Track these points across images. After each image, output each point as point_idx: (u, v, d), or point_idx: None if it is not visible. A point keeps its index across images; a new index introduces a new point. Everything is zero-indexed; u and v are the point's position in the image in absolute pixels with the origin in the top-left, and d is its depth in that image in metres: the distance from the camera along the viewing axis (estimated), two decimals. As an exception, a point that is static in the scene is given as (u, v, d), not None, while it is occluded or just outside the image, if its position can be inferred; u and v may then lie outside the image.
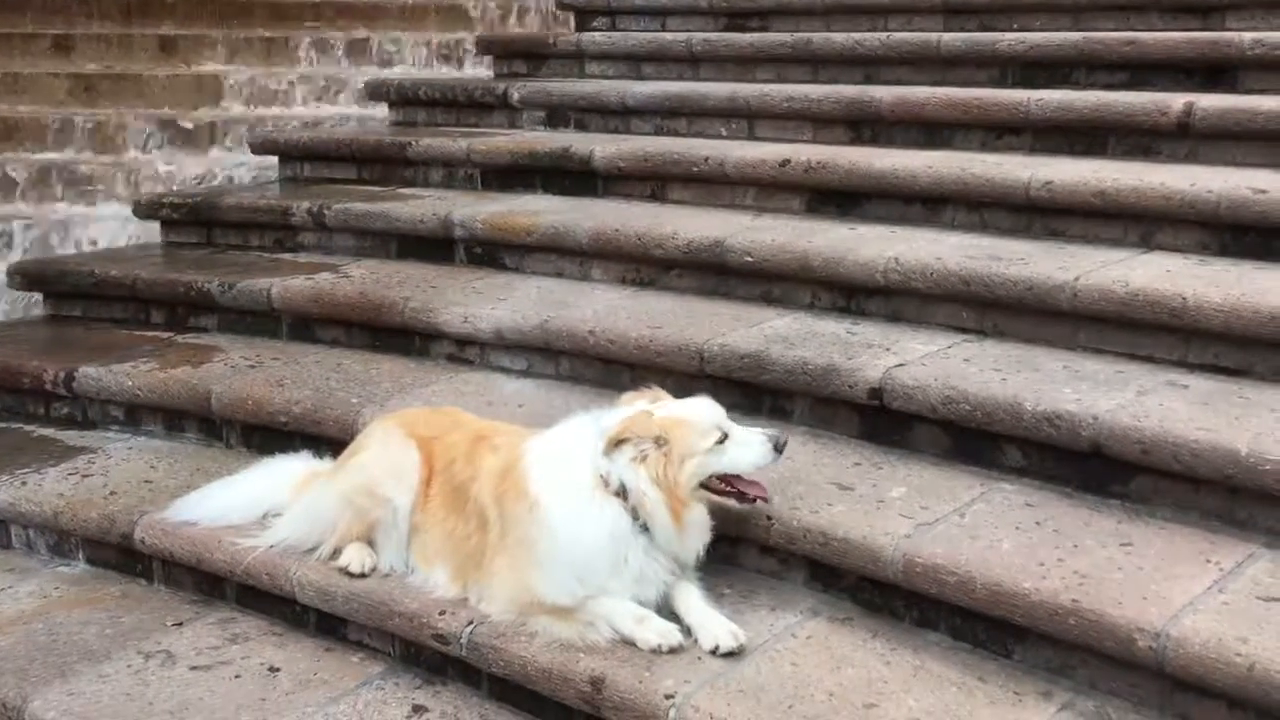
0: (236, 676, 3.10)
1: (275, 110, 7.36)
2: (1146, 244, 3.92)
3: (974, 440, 3.29)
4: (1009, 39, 5.23)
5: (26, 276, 5.20)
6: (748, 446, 2.90)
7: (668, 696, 2.63)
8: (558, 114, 5.94)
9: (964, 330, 3.80)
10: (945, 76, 5.33)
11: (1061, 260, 3.78)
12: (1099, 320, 3.53)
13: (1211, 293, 3.34)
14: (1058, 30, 5.37)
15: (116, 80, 7.24)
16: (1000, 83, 5.20)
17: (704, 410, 2.95)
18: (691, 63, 6.12)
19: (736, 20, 6.40)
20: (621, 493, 2.83)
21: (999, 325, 3.75)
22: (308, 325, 4.65)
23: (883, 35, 5.61)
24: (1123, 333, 3.49)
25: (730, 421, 2.96)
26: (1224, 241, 3.78)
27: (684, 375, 3.87)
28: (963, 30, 5.62)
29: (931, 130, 4.90)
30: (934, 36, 5.46)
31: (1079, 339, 3.58)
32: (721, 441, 2.88)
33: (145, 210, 5.63)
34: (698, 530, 2.90)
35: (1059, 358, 3.52)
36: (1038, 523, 2.96)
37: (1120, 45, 4.89)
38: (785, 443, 2.95)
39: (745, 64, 5.97)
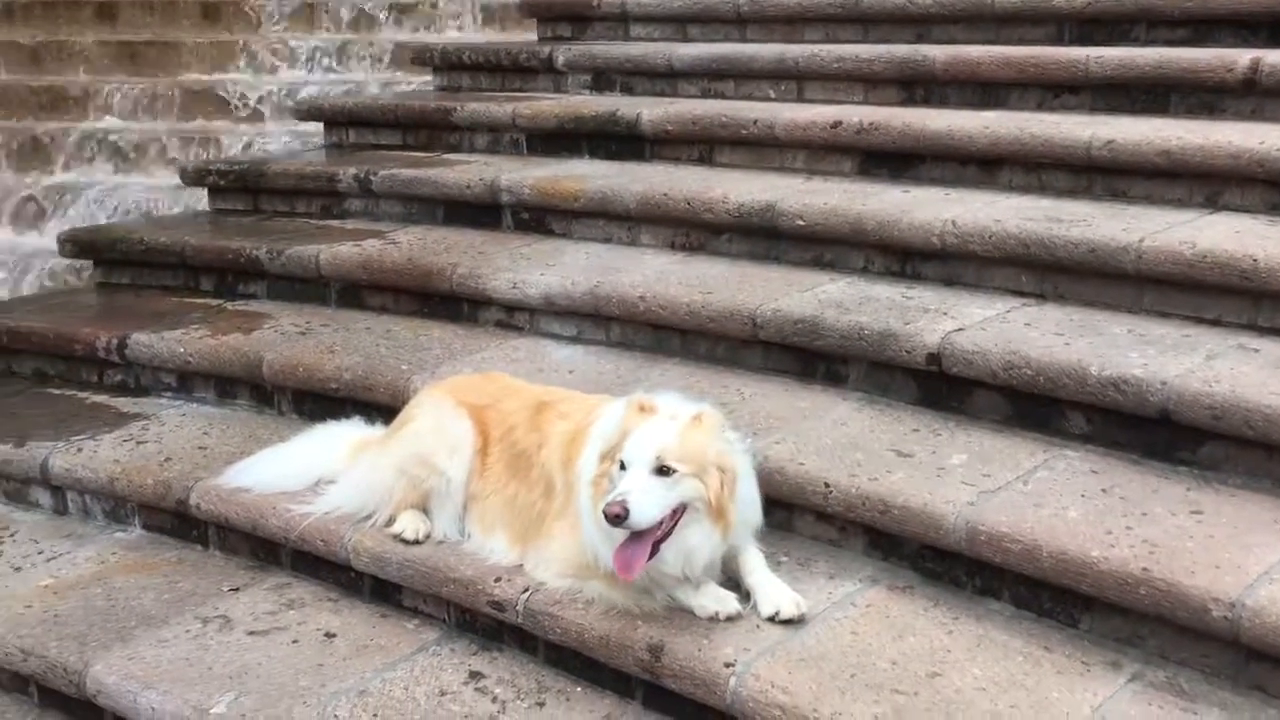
0: (294, 642, 3.11)
1: (315, 75, 7.35)
2: (1213, 204, 3.82)
3: (1036, 406, 3.22)
4: (1067, -5, 5.10)
5: (77, 244, 5.23)
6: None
7: (728, 664, 2.61)
8: (603, 77, 5.87)
9: (1023, 294, 3.72)
10: (1000, 34, 5.20)
11: (1125, 222, 3.69)
12: (1165, 283, 3.44)
13: (1283, 254, 3.25)
14: (1118, -15, 5.23)
15: (160, 48, 7.25)
16: (1057, 40, 5.07)
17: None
18: (738, 23, 6.02)
19: (784, -20, 6.28)
20: None
21: (1060, 289, 3.67)
22: (356, 292, 4.64)
23: (936, -6, 5.49)
24: (1190, 295, 3.41)
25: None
26: (1295, 201, 3.67)
27: (736, 341, 3.84)
28: (1019, -14, 5.48)
29: (986, 90, 4.79)
30: (989, -6, 5.33)
31: (1144, 302, 3.50)
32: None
33: (192, 177, 5.64)
34: (747, 505, 2.84)
35: (1123, 321, 3.44)
36: (1104, 490, 2.90)
37: (1182, 0, 4.75)
38: None
39: (793, 24, 5.86)
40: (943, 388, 3.41)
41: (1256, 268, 3.25)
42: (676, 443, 2.61)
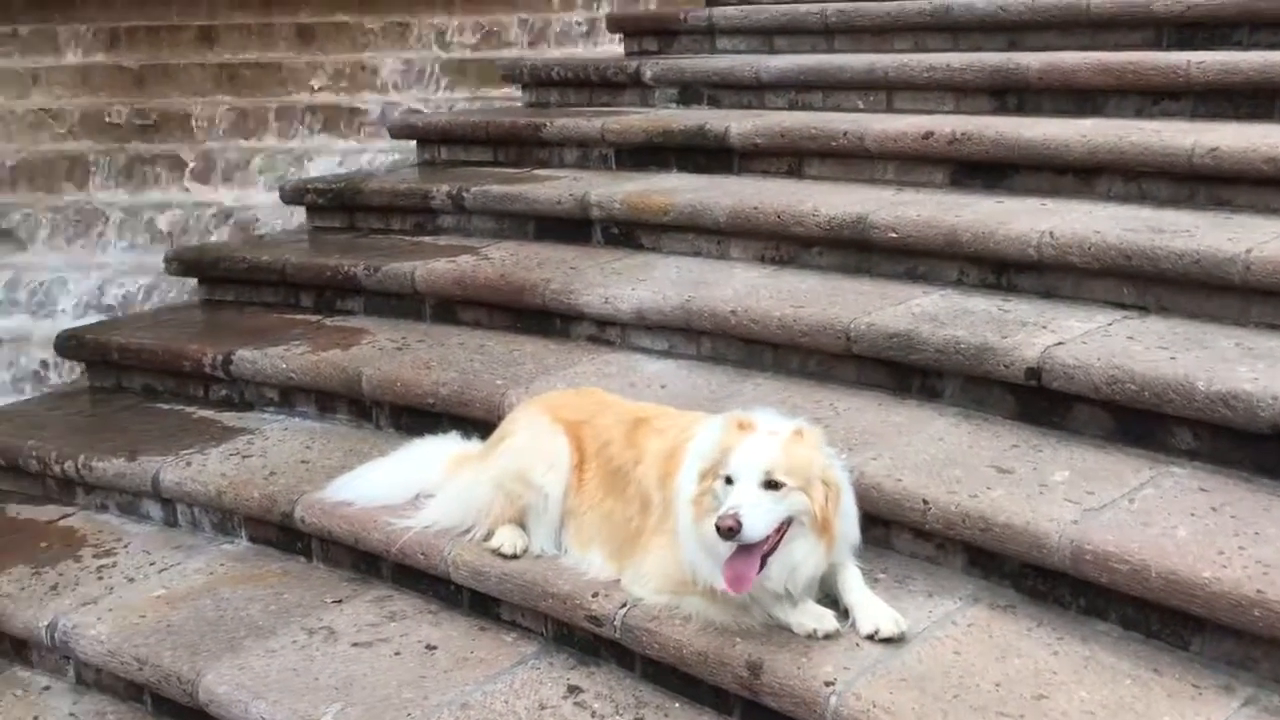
0: (396, 654, 3.18)
1: (410, 95, 7.49)
2: (1324, 212, 3.71)
3: (1140, 422, 3.16)
4: (1165, -1, 5.00)
5: (183, 263, 5.39)
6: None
7: (827, 683, 2.60)
8: (690, 91, 5.89)
9: (1124, 306, 3.65)
10: (1095, 40, 5.12)
11: (1230, 231, 3.60)
12: (1274, 294, 3.36)
13: (1402, 263, 3.15)
14: (1217, -13, 5.11)
15: (257, 69, 7.45)
16: (1155, 45, 4.98)
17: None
18: (826, 34, 6.01)
19: (872, -11, 6.25)
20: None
21: (1163, 301, 3.59)
22: (450, 307, 4.71)
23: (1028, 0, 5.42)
24: (1301, 308, 3.32)
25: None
26: None
27: (828, 355, 3.82)
28: (1113, -9, 5.39)
29: (1082, 97, 4.72)
30: (1083, -1, 5.25)
31: (1251, 314, 3.41)
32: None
33: (291, 196, 5.78)
34: (847, 521, 2.83)
35: (1230, 334, 3.35)
36: (1214, 508, 2.83)
37: (1288, 1, 4.64)
38: None
39: (882, 34, 5.83)
40: (1042, 403, 3.36)
41: (1373, 277, 3.16)
42: (783, 457, 2.62)
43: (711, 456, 2.70)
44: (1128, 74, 4.58)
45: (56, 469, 4.20)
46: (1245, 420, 2.94)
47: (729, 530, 2.53)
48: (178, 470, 4.00)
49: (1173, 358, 3.20)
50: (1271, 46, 4.62)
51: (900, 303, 3.88)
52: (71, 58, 7.49)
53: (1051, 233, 3.78)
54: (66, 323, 5.72)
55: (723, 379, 3.96)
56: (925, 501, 3.03)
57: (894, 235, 4.14)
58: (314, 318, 4.92)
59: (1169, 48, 4.91)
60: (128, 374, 4.83)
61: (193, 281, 5.42)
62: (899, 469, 3.17)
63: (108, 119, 7.12)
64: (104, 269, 6.34)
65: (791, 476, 2.61)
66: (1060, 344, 3.37)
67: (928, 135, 4.61)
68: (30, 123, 7.11)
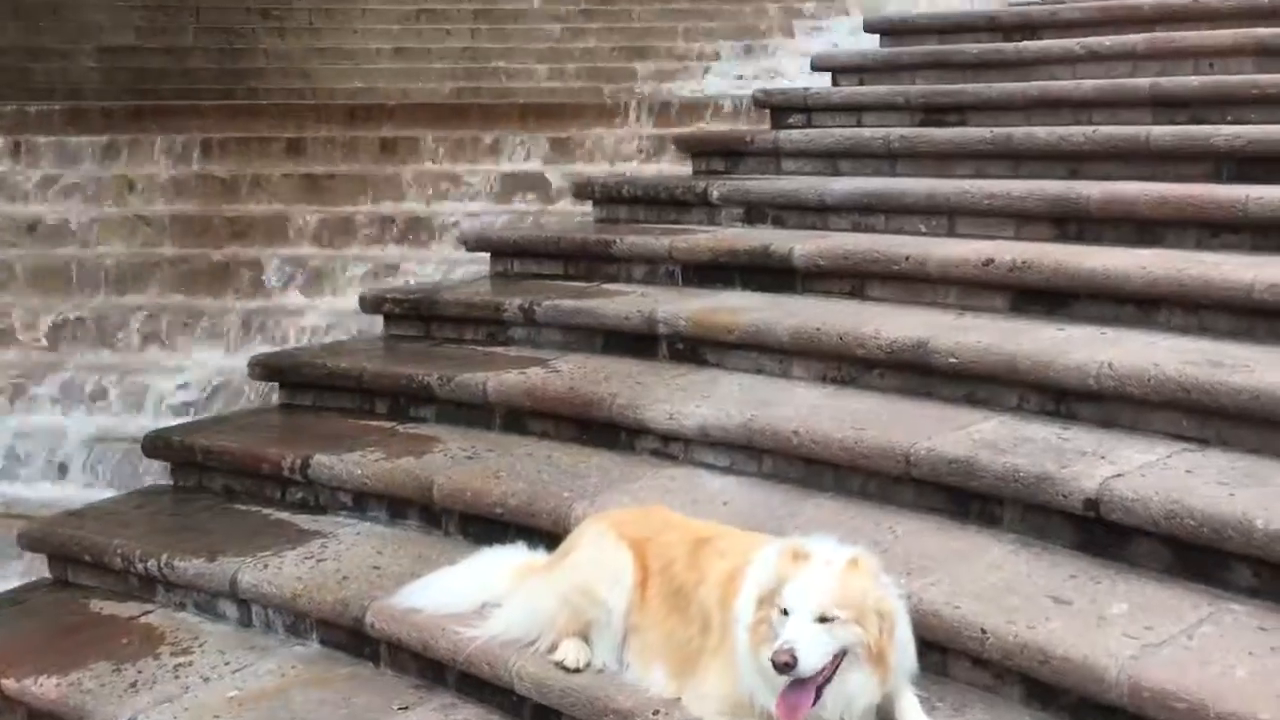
0: (459, 763, 3.25)
1: (482, 205, 7.78)
2: (1383, 350, 3.75)
3: (1199, 557, 3.19)
4: (1225, 133, 5.09)
5: (265, 368, 5.62)
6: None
7: (884, 812, 2.63)
8: (755, 211, 6.06)
9: (1184, 439, 3.69)
10: (1155, 171, 5.21)
11: (1290, 367, 3.65)
12: (1333, 433, 3.39)
13: None
14: (1275, 122, 5.20)
15: (341, 179, 7.80)
16: (1215, 177, 5.06)
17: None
18: (889, 159, 6.17)
19: (934, 115, 6.43)
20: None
21: (1222, 434, 3.63)
22: (519, 418, 4.86)
23: (1088, 130, 5.54)
24: (1361, 447, 3.34)
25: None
26: None
27: (888, 478, 3.89)
28: (1172, 123, 5.49)
29: (1142, 228, 4.81)
30: (1143, 130, 5.36)
31: (1311, 451, 3.44)
32: None
33: (370, 305, 6.01)
34: (902, 649, 2.88)
35: (1291, 471, 3.38)
36: (1273, 648, 2.85)
37: (1346, 139, 4.72)
38: None
39: (943, 160, 5.98)
40: (1101, 534, 3.40)
41: None
42: (838, 590, 2.69)
43: (768, 585, 2.78)
44: (1187, 207, 4.67)
45: (139, 567, 4.37)
46: (1304, 560, 2.97)
47: (784, 665, 2.60)
48: (255, 572, 4.14)
49: (1231, 494, 3.24)
50: (1330, 182, 4.69)
51: (960, 428, 3.95)
52: (166, 167, 7.91)
53: (1110, 364, 3.85)
54: (153, 421, 5.96)
55: (784, 498, 4.03)
56: (983, 630, 3.07)
57: (954, 361, 4.23)
58: (388, 424, 5.08)
59: (1228, 180, 4.99)
60: (209, 475, 5.02)
61: (274, 384, 5.64)
62: (957, 596, 3.21)
63: (197, 226, 7.48)
64: (192, 369, 6.60)
65: (845, 609, 2.68)
66: (1119, 476, 3.42)
67: (988, 262, 4.71)
68: (127, 228, 7.49)
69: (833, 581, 2.71)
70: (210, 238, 7.44)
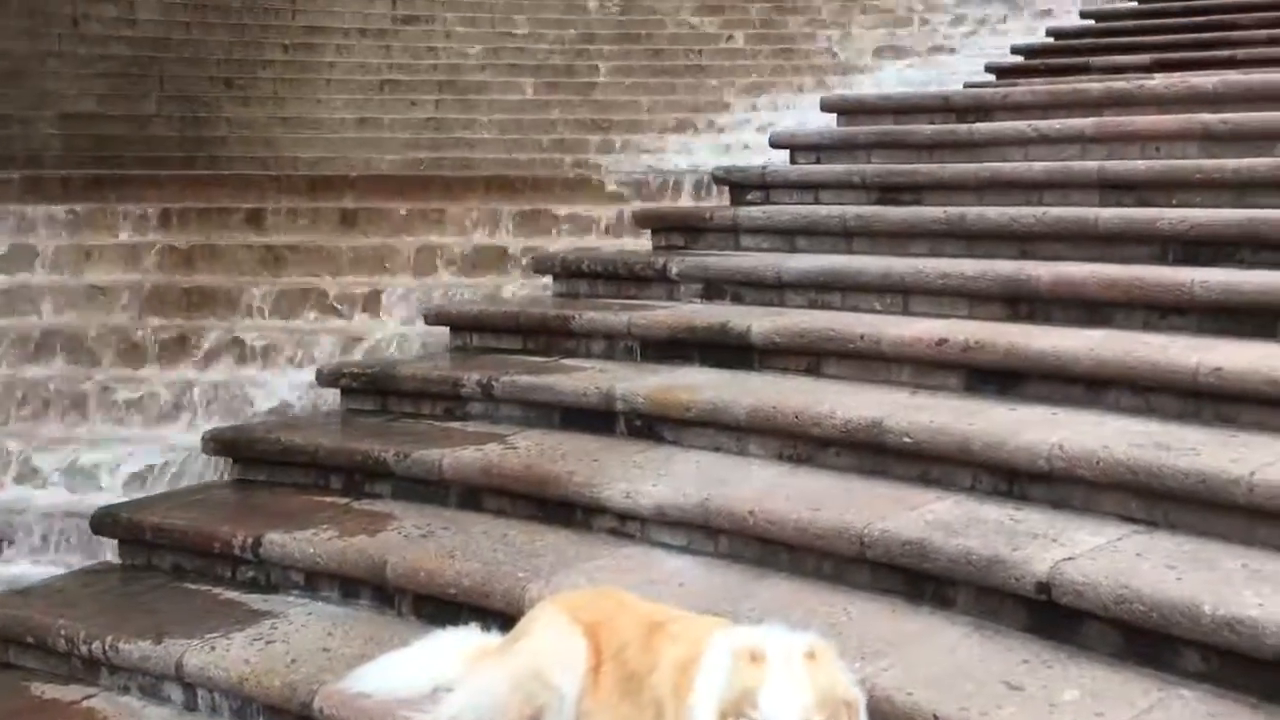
0: None
1: (443, 278, 7.79)
2: (1326, 434, 3.82)
3: (1149, 641, 3.21)
4: (1170, 216, 5.22)
5: (219, 443, 5.56)
6: None
7: None
8: (714, 287, 6.12)
9: (1133, 520, 3.73)
10: (1104, 253, 5.32)
11: (1234, 451, 3.71)
12: (1278, 517, 3.44)
13: (1400, 494, 3.24)
14: (1219, 206, 5.33)
15: (303, 251, 7.80)
16: (1161, 259, 5.17)
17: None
18: (845, 236, 6.26)
19: (889, 194, 6.54)
20: None
21: (1170, 517, 3.67)
22: (475, 495, 4.83)
23: (1039, 211, 5.66)
24: (1305, 531, 3.39)
25: None
26: None
27: (843, 559, 3.90)
28: (1120, 205, 5.63)
29: (1092, 309, 4.89)
30: (1091, 213, 5.48)
31: (1257, 535, 3.49)
32: None
33: (327, 379, 5.99)
34: None
35: (1237, 555, 3.42)
36: (1222, 736, 2.86)
37: (1287, 225, 4.85)
38: None
39: (898, 238, 6.07)
40: (1053, 617, 3.42)
41: (1372, 507, 3.24)
42: (813, 691, 2.64)
43: (729, 697, 2.73)
44: (1135, 289, 4.76)
45: (84, 649, 4.28)
46: (1251, 646, 2.99)
47: None
48: (201, 655, 4.06)
49: (1179, 578, 3.27)
50: (1274, 266, 4.79)
51: (914, 508, 3.97)
52: (124, 237, 7.88)
53: (1061, 445, 3.90)
54: (102, 496, 5.87)
55: (739, 578, 4.03)
56: (936, 718, 3.06)
57: (908, 441, 4.27)
58: (343, 500, 5.03)
59: (1175, 263, 5.09)
60: (159, 553, 4.93)
61: (228, 459, 5.58)
62: (911, 682, 3.21)
63: (153, 297, 7.44)
64: (147, 442, 6.52)
65: (822, 709, 2.65)
66: (1070, 559, 3.45)
67: (941, 342, 4.78)
68: (84, 298, 7.43)
69: (806, 682, 2.67)
70: (168, 309, 7.39)
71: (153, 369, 7.04)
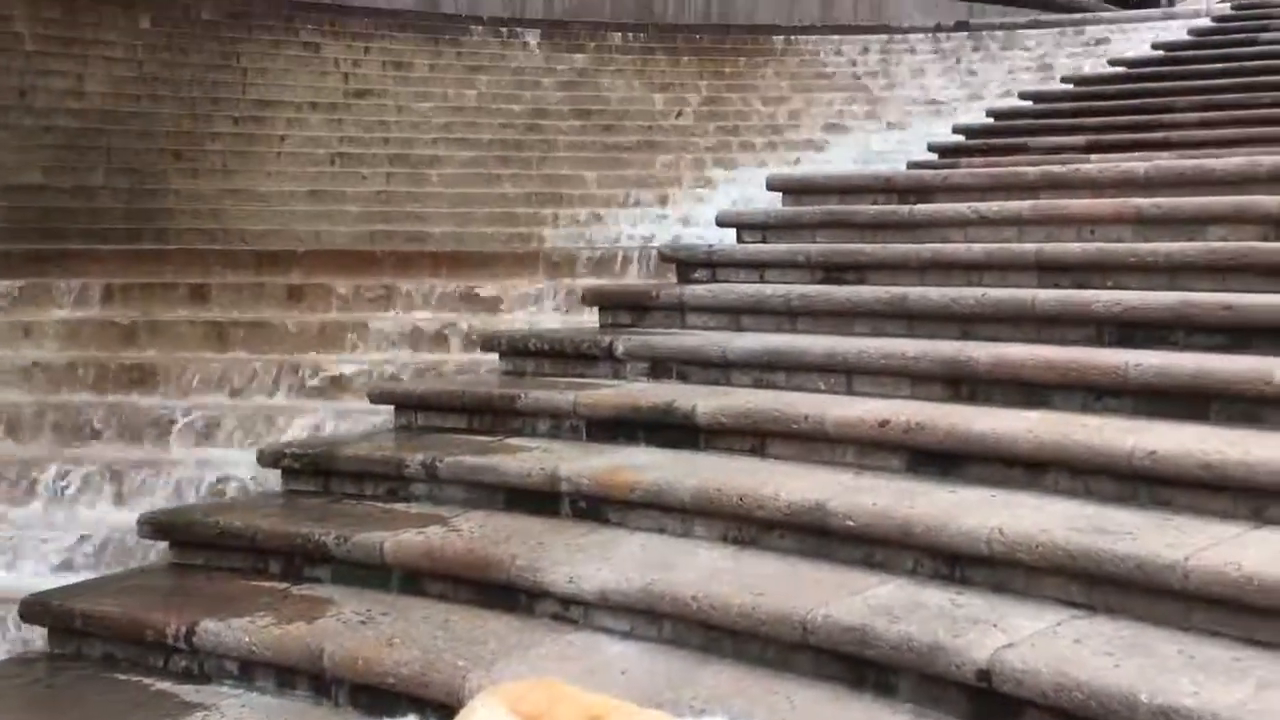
0: None
1: (388, 355, 7.76)
2: (1258, 518, 3.87)
3: (1089, 729, 3.21)
4: (1104, 299, 5.32)
5: (155, 526, 5.45)
6: None
7: None
8: (660, 366, 6.13)
9: (1073, 604, 3.75)
10: (1042, 334, 5.41)
11: (1170, 536, 3.75)
12: (1214, 602, 3.47)
13: (1329, 580, 3.28)
14: (1152, 289, 5.44)
15: (247, 327, 7.74)
16: (1097, 341, 5.26)
17: None
18: (789, 316, 6.31)
19: (833, 273, 6.62)
20: None
21: (1109, 601, 3.70)
22: (417, 579, 4.77)
23: (978, 293, 5.75)
24: (1239, 616, 3.42)
25: None
26: (1339, 518, 3.73)
27: (786, 645, 3.88)
28: (1057, 287, 5.73)
29: (1030, 390, 4.95)
30: (1029, 295, 5.58)
31: (1193, 620, 3.51)
32: None
33: (268, 460, 5.90)
34: None
35: (1174, 640, 3.44)
36: (1161, 828, 2.86)
37: (1217, 309, 4.95)
38: None
39: (842, 317, 6.13)
40: (994, 703, 3.41)
41: (1303, 593, 3.28)
42: None
43: None
44: (1071, 372, 4.83)
45: (6, 745, 4.15)
46: (1187, 736, 3.00)
47: None
48: (129, 752, 3.95)
49: (1117, 665, 3.28)
50: (1206, 349, 4.89)
51: (857, 592, 3.97)
52: (64, 312, 7.78)
53: (1001, 529, 3.93)
54: (37, 582, 5.72)
55: (682, 665, 4.00)
56: (878, 812, 3.04)
57: (851, 524, 4.28)
58: (281, 585, 4.94)
59: (1111, 344, 5.19)
60: (89, 641, 4.80)
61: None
62: (852, 774, 3.18)
63: (94, 373, 7.33)
64: (82, 525, 6.39)
65: None
66: (1010, 645, 3.45)
67: (884, 423, 4.81)
68: (21, 376, 7.31)
69: None
70: (107, 386, 7.29)
71: (91, 448, 6.92)
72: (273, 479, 6.04)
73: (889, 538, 4.19)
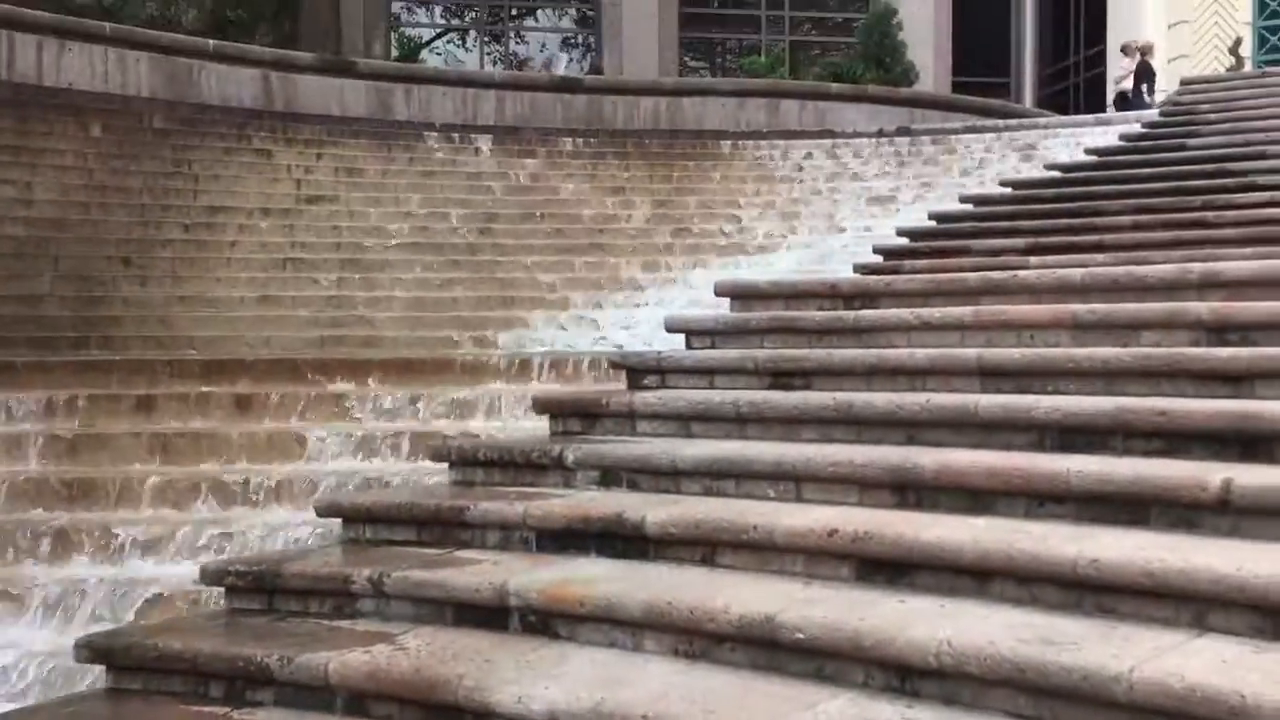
0: None
1: (337, 465, 7.70)
2: (1200, 624, 3.91)
3: None
4: (1045, 405, 5.41)
5: (92, 650, 5.30)
6: None
7: None
8: (610, 475, 6.12)
9: (1022, 717, 3.76)
10: (985, 440, 5.47)
11: (1115, 645, 3.78)
12: (1158, 713, 3.48)
13: (1270, 690, 3.31)
14: (1091, 394, 5.55)
15: (192, 438, 7.65)
16: (1039, 446, 5.33)
17: None
18: (739, 422, 6.35)
19: (781, 379, 6.68)
20: None
21: (1057, 712, 3.70)
22: (362, 701, 4.67)
23: (922, 399, 5.83)
24: (1184, 728, 3.44)
25: None
26: (1278, 625, 3.77)
27: (739, 765, 3.84)
28: (999, 391, 5.82)
29: (975, 496, 5.00)
30: (972, 401, 5.66)
31: (1140, 731, 3.53)
32: None
33: (212, 578, 5.79)
34: None
35: (1122, 754, 3.45)
36: None
37: (1152, 415, 5.05)
38: None
39: (790, 424, 6.18)
40: (946, 824, 3.38)
41: (1245, 704, 3.30)
42: None
43: None
44: (1014, 479, 4.89)
45: None
46: None
47: None
48: None
49: (1067, 782, 3.28)
50: (1145, 454, 4.98)
51: (807, 707, 3.95)
52: (4, 427, 7.66)
53: (949, 641, 3.93)
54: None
55: (633, 788, 3.93)
56: None
57: (801, 636, 4.26)
58: (223, 710, 4.81)
59: (1052, 449, 5.26)
60: (19, 774, 4.65)
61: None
62: None
63: (34, 489, 7.20)
64: (16, 649, 6.20)
65: None
66: (960, 764, 3.44)
67: (833, 532, 4.83)
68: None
69: None
70: (46, 501, 7.16)
71: (28, 567, 6.76)
72: (217, 595, 5.92)
73: (839, 650, 4.18)
